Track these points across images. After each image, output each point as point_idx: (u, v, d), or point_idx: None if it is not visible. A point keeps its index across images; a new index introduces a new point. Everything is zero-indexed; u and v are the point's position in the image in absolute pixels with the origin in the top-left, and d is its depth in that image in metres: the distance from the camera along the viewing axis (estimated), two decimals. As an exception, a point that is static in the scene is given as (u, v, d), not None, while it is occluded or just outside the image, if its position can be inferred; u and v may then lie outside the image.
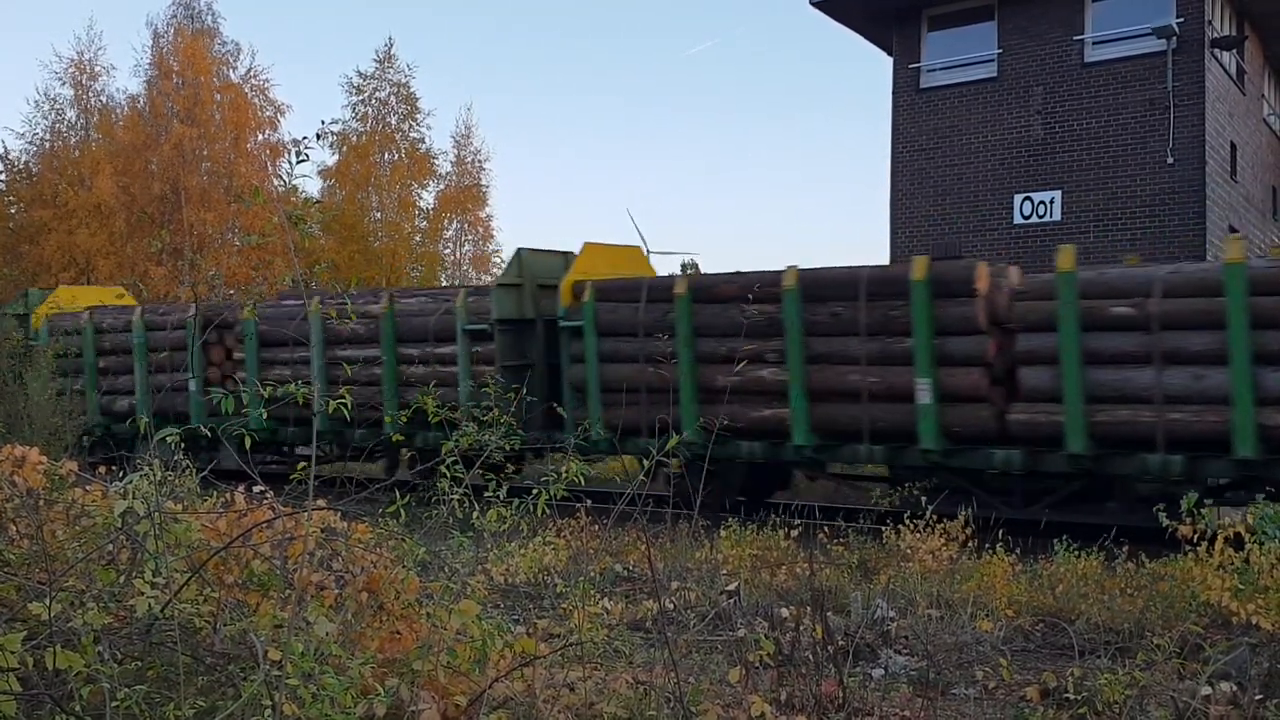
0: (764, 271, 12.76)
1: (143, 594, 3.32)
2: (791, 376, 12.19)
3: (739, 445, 12.70)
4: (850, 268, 12.52)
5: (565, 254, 15.42)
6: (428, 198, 34.63)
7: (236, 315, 17.30)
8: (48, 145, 31.69)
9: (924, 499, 10.66)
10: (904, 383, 11.56)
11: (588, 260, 14.76)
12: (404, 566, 4.23)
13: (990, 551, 9.02)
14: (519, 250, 15.02)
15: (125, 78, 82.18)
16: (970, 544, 9.75)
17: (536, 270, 15.00)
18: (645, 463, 5.17)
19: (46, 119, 31.75)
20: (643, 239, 49.40)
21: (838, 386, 12.06)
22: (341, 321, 14.95)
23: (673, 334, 12.94)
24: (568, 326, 14.12)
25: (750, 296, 12.43)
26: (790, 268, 12.35)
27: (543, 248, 15.37)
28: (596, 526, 10.14)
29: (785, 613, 6.91)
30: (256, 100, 31.61)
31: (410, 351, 15.40)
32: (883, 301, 11.70)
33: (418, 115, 33.96)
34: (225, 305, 17.82)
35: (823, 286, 12.19)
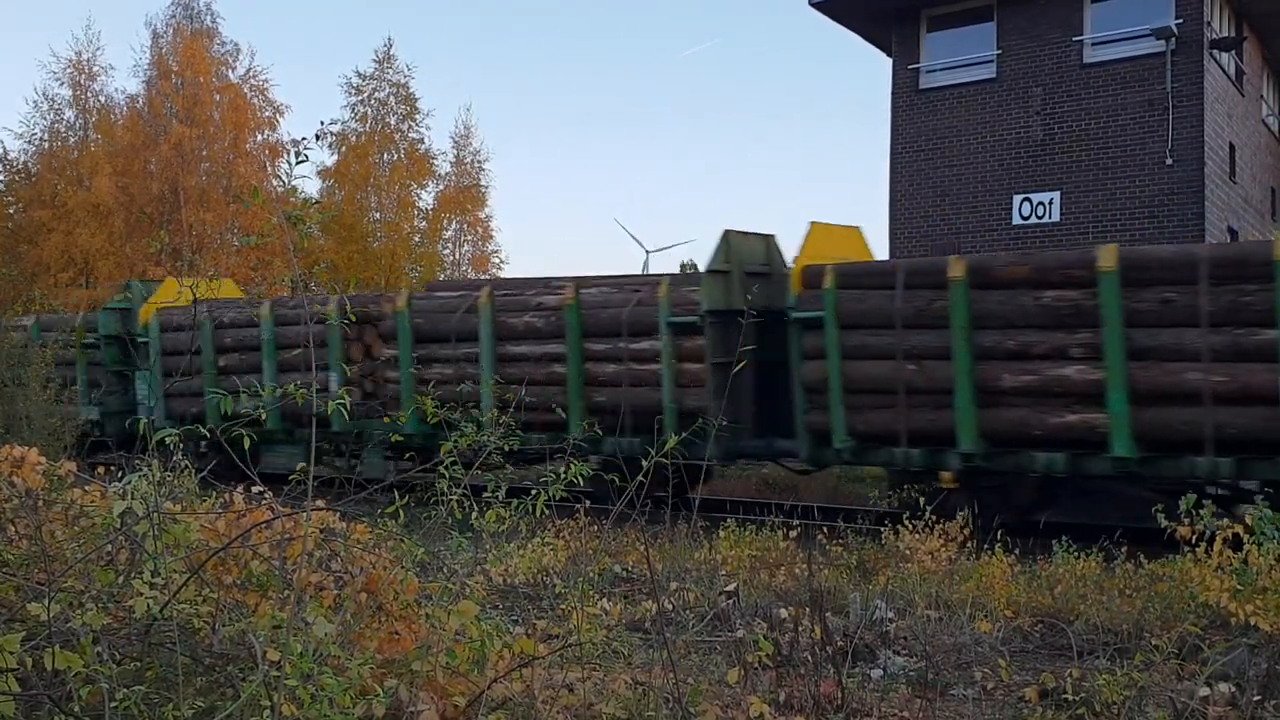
0: (1062, 252, 11.61)
1: (141, 594, 3.32)
2: (1110, 375, 10.58)
3: (1033, 457, 11.24)
4: (1181, 246, 11.47)
5: (766, 236, 14.23)
6: (427, 198, 34.67)
7: (382, 308, 16.14)
8: (46, 145, 31.70)
9: (921, 499, 10.65)
10: (1263, 382, 9.99)
11: (817, 242, 13.17)
12: (403, 567, 4.23)
13: (989, 552, 9.03)
14: (726, 233, 13.65)
15: (124, 78, 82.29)
16: (969, 545, 9.76)
17: (743, 255, 13.73)
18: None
19: (45, 119, 31.78)
20: (639, 243, 49.32)
21: (1170, 387, 10.45)
22: (516, 314, 14.13)
23: (940, 326, 11.37)
24: (801, 318, 12.50)
25: (1049, 280, 10.95)
26: (1106, 245, 11.02)
27: (746, 230, 14.01)
28: (595, 527, 10.15)
29: (784, 613, 6.91)
30: (256, 100, 31.63)
31: (598, 347, 13.98)
32: (1230, 285, 10.17)
33: (417, 115, 33.98)
34: (370, 297, 16.55)
35: (1149, 268, 10.67)
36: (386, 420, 15.09)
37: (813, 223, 13.28)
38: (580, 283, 14.45)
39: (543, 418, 12.69)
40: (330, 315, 15.58)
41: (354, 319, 15.35)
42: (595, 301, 14.09)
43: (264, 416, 15.21)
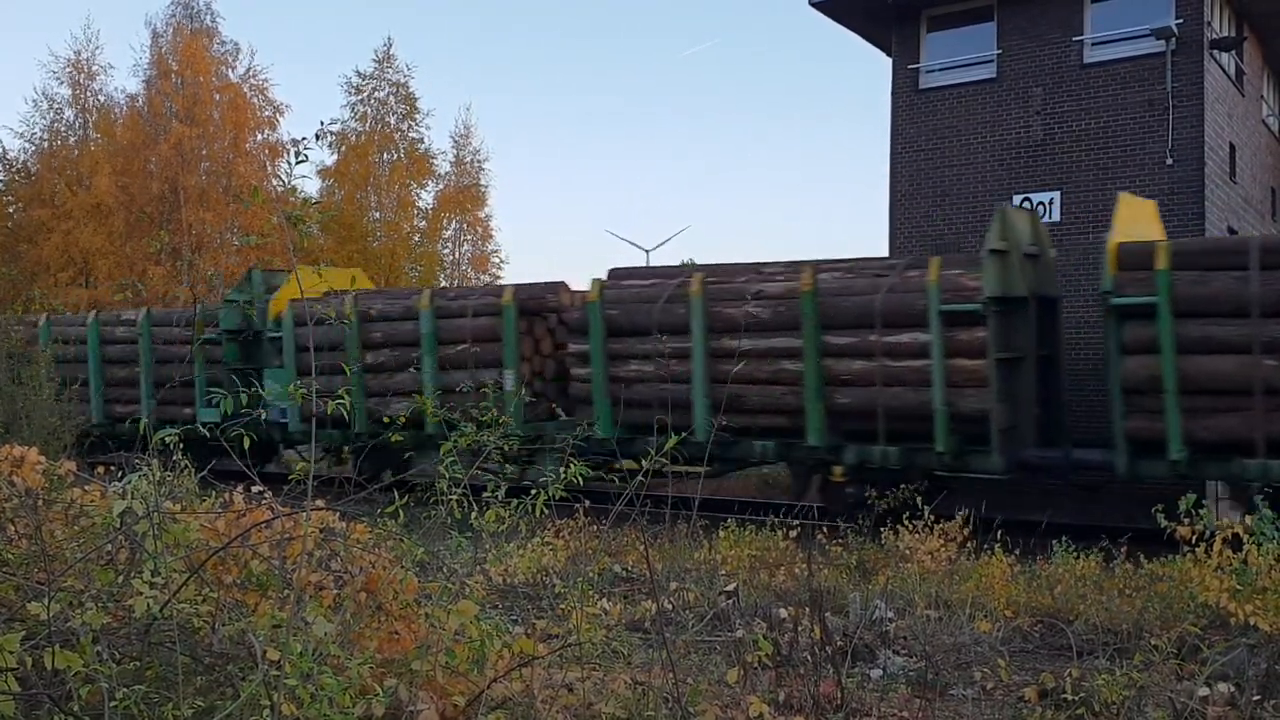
0: None
1: (141, 594, 3.32)
2: None
3: None
4: None
5: (1031, 213, 12.86)
6: (427, 198, 34.70)
7: (561, 299, 14.95)
8: (46, 145, 31.70)
9: (920, 499, 10.64)
10: None
11: (1128, 217, 11.51)
12: (402, 567, 4.23)
13: (989, 552, 9.03)
14: (1001, 208, 12.42)
15: (124, 77, 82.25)
16: (969, 545, 9.75)
17: (1018, 233, 12.30)
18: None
19: (45, 119, 31.82)
20: (637, 245, 49.35)
21: None
22: (734, 304, 12.49)
23: None
24: (1123, 305, 10.81)
25: None
26: None
27: (1016, 207, 12.51)
28: (595, 527, 10.14)
29: (784, 613, 6.91)
30: (255, 100, 31.65)
31: (840, 341, 12.18)
32: None
33: (417, 115, 34.02)
34: (543, 287, 15.23)
35: None
36: (557, 422, 13.47)
37: (1121, 194, 11.80)
38: (817, 267, 12.69)
39: (762, 422, 11.85)
40: (506, 305, 14.57)
41: (522, 313, 14.49)
42: (835, 288, 12.26)
43: (427, 418, 13.56)
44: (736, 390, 12.40)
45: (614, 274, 14.53)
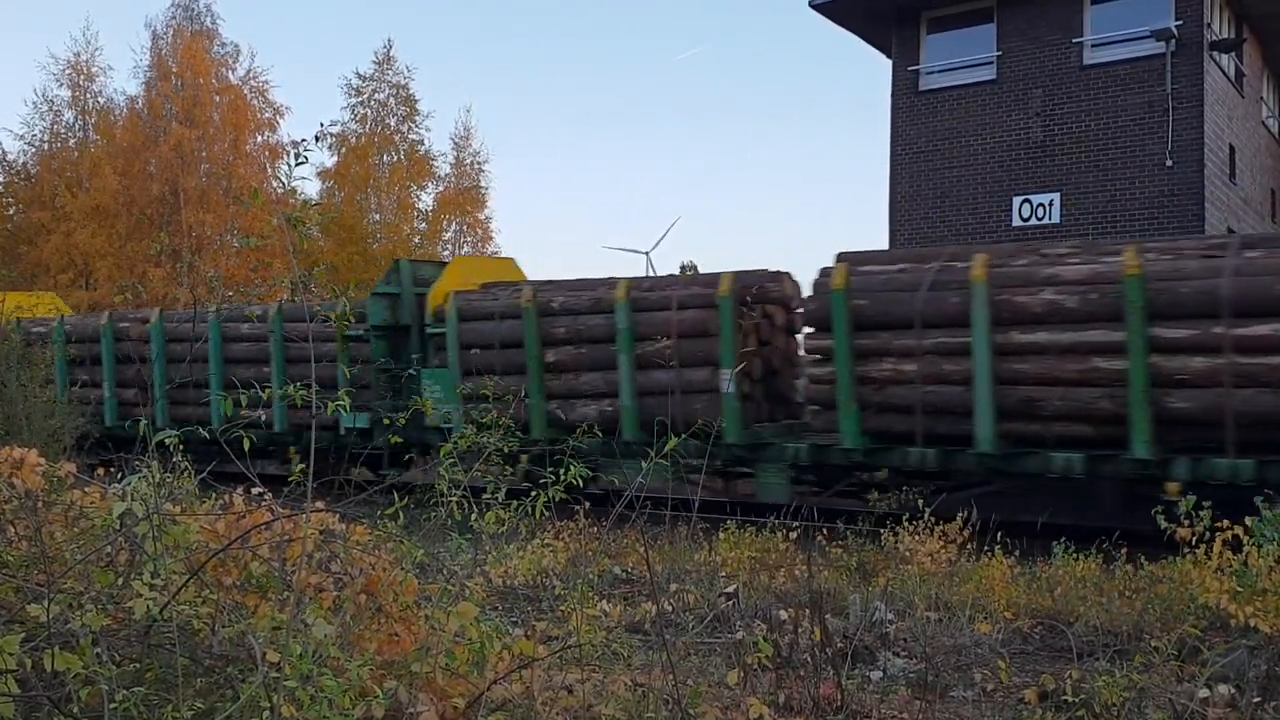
0: None
1: (141, 596, 3.32)
2: None
3: None
4: None
5: None
6: (427, 199, 34.73)
7: (784, 287, 13.52)
8: (46, 146, 31.73)
9: (921, 501, 10.62)
10: None
11: None
12: (402, 568, 4.23)
13: (989, 554, 9.02)
14: None
15: (124, 79, 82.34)
16: (969, 546, 9.75)
17: None
18: None
19: (44, 120, 31.85)
20: (636, 251, 49.23)
21: None
22: (1027, 291, 10.80)
23: None
24: None
25: None
26: None
27: None
28: (595, 528, 10.14)
29: (784, 615, 6.91)
30: (255, 102, 31.71)
31: (1175, 334, 10.26)
32: None
33: (417, 117, 34.07)
34: (764, 275, 13.66)
35: None
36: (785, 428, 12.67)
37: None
38: (1140, 248, 10.79)
39: (1059, 430, 10.47)
40: (723, 297, 12.77)
41: (753, 301, 12.96)
42: (1164, 272, 10.42)
43: (621, 422, 12.88)
44: (1031, 394, 10.83)
45: (843, 259, 12.62)
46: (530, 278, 16.09)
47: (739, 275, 13.27)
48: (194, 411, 16.75)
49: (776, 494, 12.84)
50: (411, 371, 15.31)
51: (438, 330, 15.09)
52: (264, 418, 15.46)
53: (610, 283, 14.07)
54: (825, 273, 12.29)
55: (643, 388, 13.32)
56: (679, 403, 12.67)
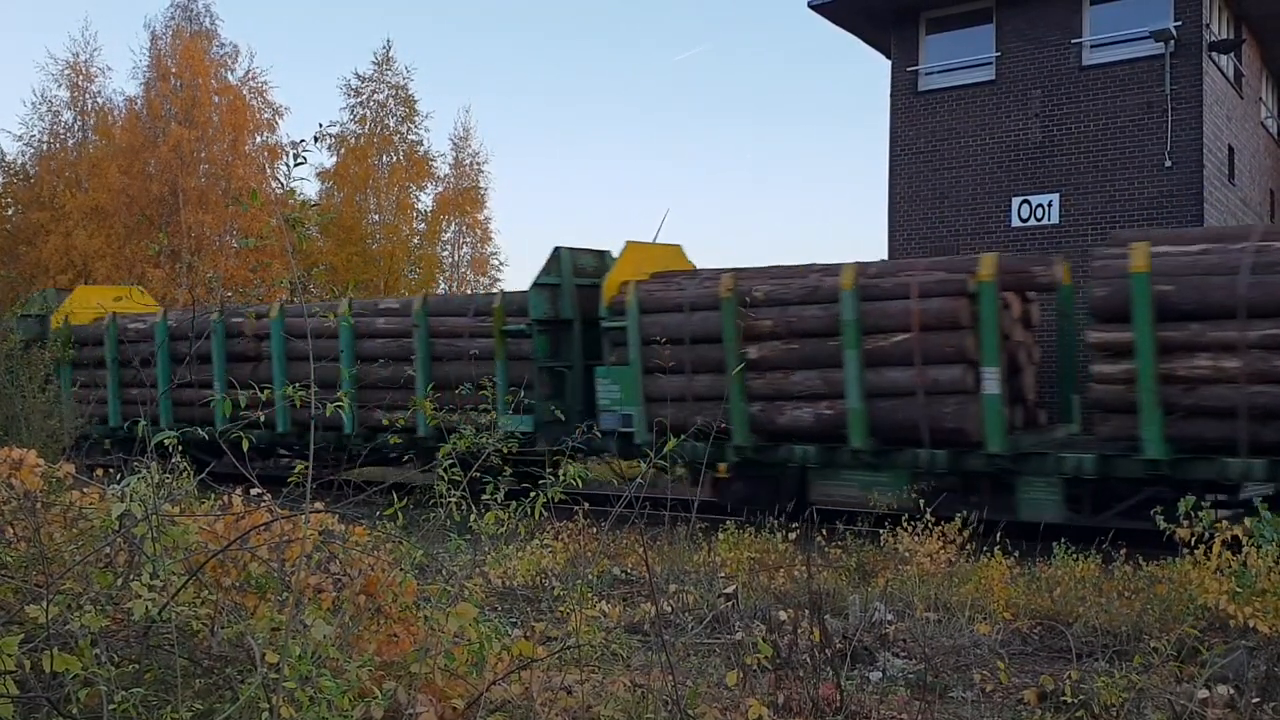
0: None
1: (140, 597, 3.32)
2: None
3: None
4: None
5: None
6: (426, 200, 34.72)
7: (1051, 274, 12.04)
8: (45, 147, 31.72)
9: (921, 501, 10.62)
10: None
11: None
12: (401, 569, 4.22)
13: (988, 554, 9.02)
14: None
15: (123, 79, 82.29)
16: (968, 547, 9.75)
17: None
18: None
19: (43, 121, 31.83)
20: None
21: None
22: None
23: None
24: None
25: None
26: None
27: None
28: (594, 529, 10.14)
29: (783, 616, 6.91)
30: (255, 102, 31.69)
31: None
32: None
33: (416, 117, 34.05)
34: (1026, 260, 12.39)
35: None
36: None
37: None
38: None
39: None
40: (984, 282, 11.23)
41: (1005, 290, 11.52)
42: None
43: (848, 427, 11.52)
44: None
45: (1116, 240, 11.35)
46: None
47: (1000, 259, 11.89)
48: (301, 414, 15.32)
49: (1045, 512, 11.46)
50: (560, 368, 14.25)
51: (616, 324, 13.71)
52: (403, 421, 13.81)
53: (830, 269, 12.52)
54: (1113, 254, 10.82)
55: (873, 388, 11.90)
56: (921, 405, 11.40)
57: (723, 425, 12.51)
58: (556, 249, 14.97)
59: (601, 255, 15.34)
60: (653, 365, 13.04)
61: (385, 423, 14.20)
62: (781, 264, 13.47)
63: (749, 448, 12.56)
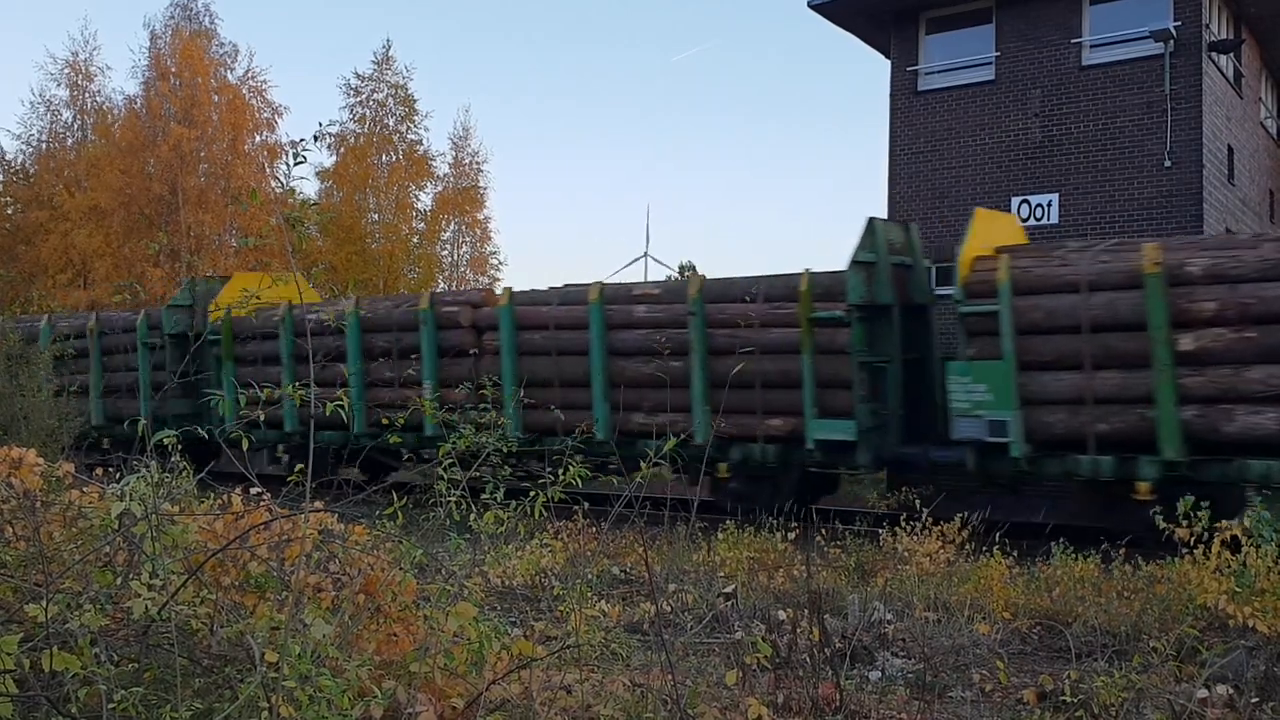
0: None
1: (139, 596, 3.32)
2: None
3: None
4: None
5: None
6: (425, 199, 34.70)
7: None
8: (44, 146, 31.71)
9: (919, 501, 10.61)
10: None
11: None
12: (401, 569, 4.22)
13: (987, 554, 9.02)
14: None
15: (122, 79, 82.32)
16: (967, 546, 9.75)
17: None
18: None
19: (42, 120, 31.83)
20: (648, 257, 49.08)
21: None
22: None
23: None
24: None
25: None
26: None
27: None
28: (594, 529, 10.14)
29: (782, 615, 6.91)
30: (254, 101, 31.66)
31: None
32: None
33: (415, 117, 34.03)
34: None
35: None
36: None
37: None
38: None
39: None
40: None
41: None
42: None
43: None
44: None
45: None
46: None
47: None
48: (543, 417, 13.60)
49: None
50: (879, 363, 12.50)
51: (978, 308, 11.53)
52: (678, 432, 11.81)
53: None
54: None
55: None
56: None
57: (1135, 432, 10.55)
58: (871, 220, 12.88)
59: (906, 228, 13.84)
60: (1033, 360, 11.10)
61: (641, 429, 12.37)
62: (1233, 234, 11.43)
63: (1183, 463, 10.39)
